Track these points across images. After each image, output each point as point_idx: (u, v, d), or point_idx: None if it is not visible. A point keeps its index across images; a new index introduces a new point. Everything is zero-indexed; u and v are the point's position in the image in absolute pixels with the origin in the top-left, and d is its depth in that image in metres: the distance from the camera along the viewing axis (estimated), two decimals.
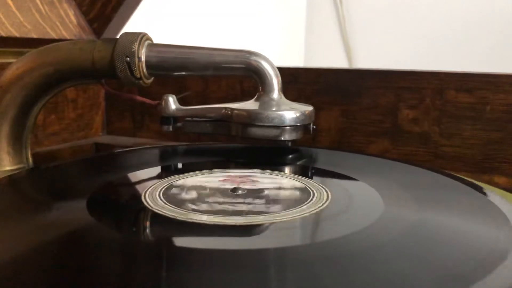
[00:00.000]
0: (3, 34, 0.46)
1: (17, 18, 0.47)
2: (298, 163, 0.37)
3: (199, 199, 0.27)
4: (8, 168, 0.34)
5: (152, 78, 0.35)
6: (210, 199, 0.27)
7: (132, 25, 0.57)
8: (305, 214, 0.25)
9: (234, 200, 0.27)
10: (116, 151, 0.41)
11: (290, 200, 0.27)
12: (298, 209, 0.25)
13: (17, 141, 0.34)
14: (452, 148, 0.45)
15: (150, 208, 0.25)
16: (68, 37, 0.52)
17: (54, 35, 0.50)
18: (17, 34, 0.47)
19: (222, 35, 0.92)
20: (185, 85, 0.55)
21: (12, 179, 0.32)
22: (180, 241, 0.23)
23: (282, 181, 0.30)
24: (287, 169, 0.36)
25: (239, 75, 0.35)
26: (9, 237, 0.22)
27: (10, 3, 0.47)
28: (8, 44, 0.47)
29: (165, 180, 0.30)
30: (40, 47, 0.35)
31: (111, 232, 0.23)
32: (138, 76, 0.34)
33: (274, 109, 0.34)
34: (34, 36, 0.48)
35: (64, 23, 0.52)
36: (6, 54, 0.47)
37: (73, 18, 0.53)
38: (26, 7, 0.49)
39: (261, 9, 1.09)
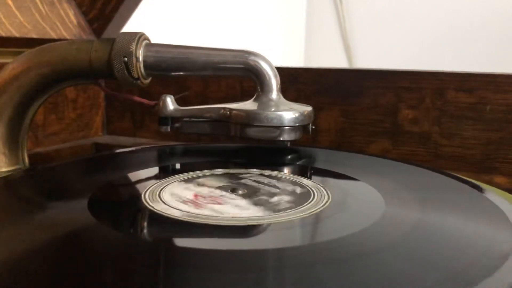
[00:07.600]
0: (3, 34, 0.45)
1: (17, 18, 0.47)
2: (298, 163, 0.37)
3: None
4: (4, 169, 0.34)
5: (150, 78, 0.35)
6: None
7: (132, 25, 0.57)
8: (306, 215, 0.25)
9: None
10: (116, 151, 0.41)
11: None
12: (298, 210, 0.25)
13: (13, 142, 0.34)
14: (452, 148, 0.45)
15: (150, 208, 0.25)
16: (68, 37, 0.52)
17: (54, 35, 0.50)
18: (17, 34, 0.47)
19: (221, 35, 0.92)
20: (185, 85, 0.54)
21: (8, 181, 0.32)
22: (180, 241, 0.23)
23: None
24: (286, 170, 0.36)
25: (238, 75, 0.35)
26: (9, 238, 0.22)
27: (10, 3, 0.47)
28: (8, 44, 0.47)
29: (165, 180, 0.30)
30: (37, 47, 0.34)
31: (112, 232, 0.23)
32: (136, 76, 0.33)
33: (273, 109, 0.34)
34: (34, 36, 0.48)
35: (64, 23, 0.52)
36: (6, 54, 0.47)
37: (73, 18, 0.53)
38: (26, 7, 0.48)
39: (261, 9, 1.09)
